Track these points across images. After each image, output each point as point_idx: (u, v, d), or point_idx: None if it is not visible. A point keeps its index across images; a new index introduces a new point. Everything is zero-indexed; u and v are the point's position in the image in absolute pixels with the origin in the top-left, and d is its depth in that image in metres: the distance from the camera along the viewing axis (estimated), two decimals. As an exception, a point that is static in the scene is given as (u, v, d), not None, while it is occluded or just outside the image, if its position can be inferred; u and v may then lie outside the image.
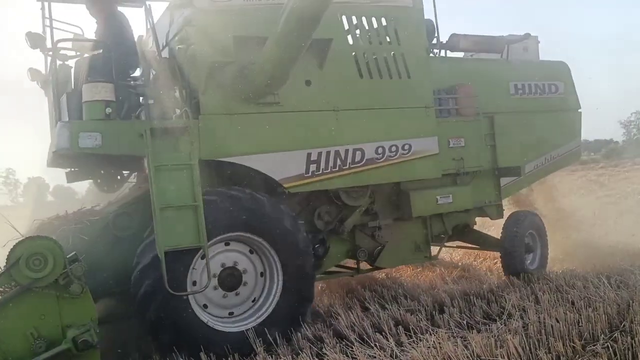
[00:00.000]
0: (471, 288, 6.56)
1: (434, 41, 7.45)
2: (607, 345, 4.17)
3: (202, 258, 4.89)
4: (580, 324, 4.73)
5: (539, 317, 4.87)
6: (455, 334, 4.87)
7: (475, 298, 5.99)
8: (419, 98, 6.45)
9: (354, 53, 6.16)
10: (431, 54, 7.31)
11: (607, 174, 24.09)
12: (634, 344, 4.09)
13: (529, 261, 7.54)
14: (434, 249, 7.53)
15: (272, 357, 4.63)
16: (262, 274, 5.31)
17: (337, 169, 5.82)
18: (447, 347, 4.28)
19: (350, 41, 6.16)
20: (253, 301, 5.29)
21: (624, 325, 4.61)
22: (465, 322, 5.27)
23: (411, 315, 5.53)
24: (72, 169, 6.45)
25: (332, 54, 5.90)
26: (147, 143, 4.80)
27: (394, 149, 6.17)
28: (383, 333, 5.00)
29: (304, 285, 5.35)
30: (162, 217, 4.68)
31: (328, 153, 5.78)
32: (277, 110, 5.61)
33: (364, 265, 6.99)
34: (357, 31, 6.21)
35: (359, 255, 6.56)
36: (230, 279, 5.18)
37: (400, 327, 5.14)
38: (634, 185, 17.37)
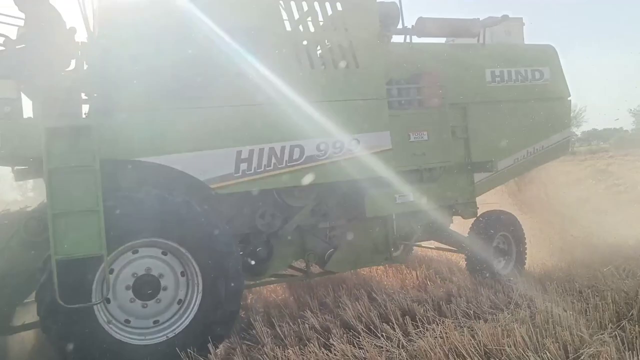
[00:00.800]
0: (478, 278, 6.55)
1: (399, 26, 6.83)
2: (615, 334, 4.16)
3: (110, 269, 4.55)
4: (588, 313, 4.73)
5: (546, 307, 4.86)
6: (462, 324, 4.87)
7: (482, 288, 5.99)
8: (368, 89, 5.90)
9: (293, 41, 5.65)
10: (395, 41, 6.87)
11: (616, 163, 23.91)
12: (641, 333, 4.09)
13: (501, 265, 6.98)
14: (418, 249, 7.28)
15: (279, 348, 4.65)
16: (182, 274, 4.92)
17: (272, 167, 5.33)
18: (453, 336, 4.29)
19: (289, 28, 5.69)
20: (179, 303, 4.91)
21: (631, 314, 4.60)
22: (472, 312, 5.26)
23: (418, 305, 5.53)
24: (20, 167, 5.91)
25: (267, 42, 5.43)
26: (43, 143, 4.40)
27: (338, 145, 5.63)
28: (390, 323, 5.01)
29: (227, 287, 4.94)
30: (55, 224, 4.29)
31: (261, 150, 5.28)
32: (201, 105, 5.13)
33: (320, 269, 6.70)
34: (298, 17, 5.77)
35: (308, 258, 6.24)
36: (146, 287, 4.78)
37: (407, 317, 5.15)
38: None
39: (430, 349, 4.19)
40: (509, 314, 4.97)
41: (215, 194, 5.16)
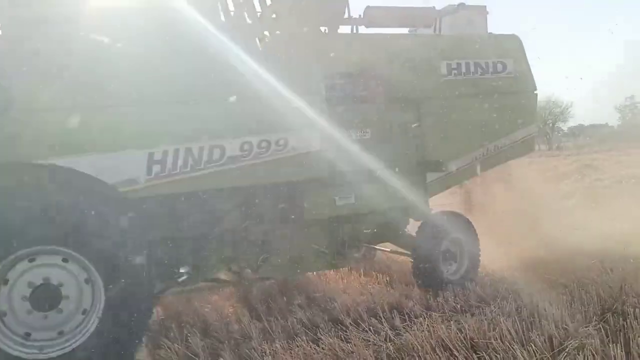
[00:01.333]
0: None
1: (345, 16, 6.33)
2: (599, 327, 4.22)
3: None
4: (573, 306, 4.78)
5: (532, 300, 4.92)
6: (449, 318, 4.92)
7: (469, 282, 6.03)
8: (299, 84, 5.37)
9: (211, 31, 5.18)
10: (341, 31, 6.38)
11: (601, 158, 24.19)
12: (625, 325, 4.15)
13: (451, 271, 6.43)
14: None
15: (267, 342, 4.66)
16: (87, 281, 4.53)
17: (188, 169, 4.88)
18: (440, 330, 4.33)
19: (222, 16, 5.32)
20: (84, 312, 4.52)
21: (615, 307, 4.67)
22: (459, 306, 5.31)
23: (406, 299, 5.57)
24: None
25: (181, 32, 4.96)
26: None
27: (264, 145, 5.20)
28: (378, 317, 5.03)
29: (134, 295, 4.61)
30: None
31: (177, 151, 4.83)
32: (108, 104, 4.67)
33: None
34: (219, 5, 5.41)
35: (240, 264, 5.83)
36: (45, 298, 4.38)
37: (395, 311, 5.18)
38: (629, 169, 17.47)
39: (418, 342, 4.23)
40: (495, 308, 5.02)
41: (123, 198, 4.71)
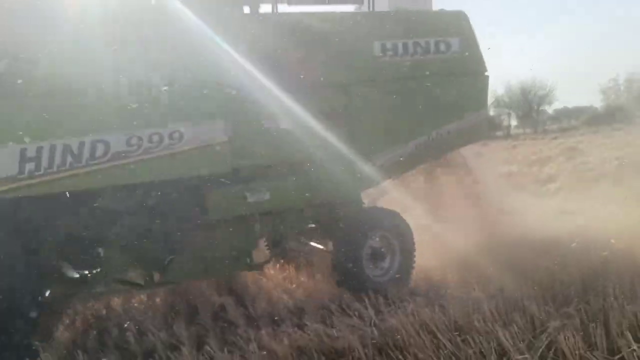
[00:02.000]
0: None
1: None
2: (580, 308, 4.28)
3: None
4: (554, 288, 4.85)
5: (515, 281, 4.98)
6: (433, 302, 4.96)
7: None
8: (201, 72, 4.98)
9: (98, 15, 4.69)
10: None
11: (586, 141, 24.39)
12: (605, 305, 4.21)
13: (379, 271, 5.96)
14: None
15: (252, 329, 4.68)
16: None
17: (67, 167, 4.45)
18: (424, 314, 4.37)
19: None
20: None
21: (596, 288, 4.73)
22: (445, 291, 5.36)
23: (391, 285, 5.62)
24: None
25: (51, 21, 4.50)
26: None
27: (156, 138, 4.74)
28: (363, 303, 5.07)
29: (12, 302, 4.31)
30: None
31: (53, 148, 4.39)
32: None
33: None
34: None
35: (144, 267, 5.39)
36: None
37: (379, 296, 5.22)
38: (613, 151, 17.63)
39: (402, 326, 4.27)
40: (479, 291, 5.08)
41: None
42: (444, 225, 7.18)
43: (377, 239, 5.99)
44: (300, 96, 5.49)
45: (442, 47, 6.37)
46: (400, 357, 3.85)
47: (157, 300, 6.02)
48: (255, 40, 5.41)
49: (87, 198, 4.80)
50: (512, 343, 3.79)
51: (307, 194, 5.63)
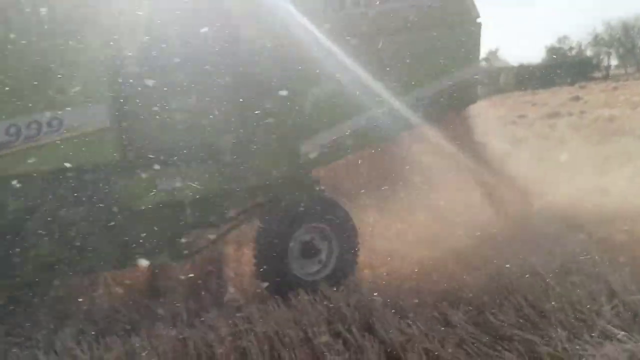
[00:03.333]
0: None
1: None
2: None
3: None
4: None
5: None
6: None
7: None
8: (72, 49, 4.41)
9: None
10: None
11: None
12: None
13: (313, 268, 5.20)
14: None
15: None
16: None
17: None
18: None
19: None
20: None
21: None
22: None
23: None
24: None
25: None
26: None
27: (34, 127, 4.37)
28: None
29: None
30: None
31: None
32: None
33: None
34: None
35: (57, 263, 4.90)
36: None
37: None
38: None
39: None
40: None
41: None
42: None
43: (311, 231, 5.19)
44: (214, 69, 4.85)
45: None
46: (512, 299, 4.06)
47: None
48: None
49: None
50: (622, 285, 3.93)
51: (228, 180, 5.02)
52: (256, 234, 5.15)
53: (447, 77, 5.67)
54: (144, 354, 3.92)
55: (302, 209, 5.13)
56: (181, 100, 4.84)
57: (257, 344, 3.80)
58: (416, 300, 4.31)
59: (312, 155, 5.27)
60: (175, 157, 4.82)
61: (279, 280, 4.93)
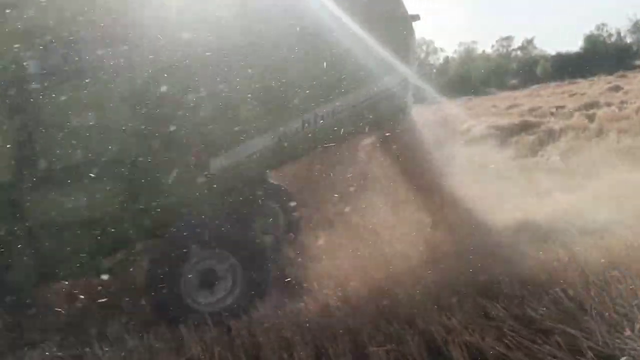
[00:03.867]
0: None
1: None
2: None
3: None
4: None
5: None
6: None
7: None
8: None
9: None
10: None
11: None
12: None
13: (213, 298, 4.82)
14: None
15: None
16: None
17: None
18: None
19: None
20: None
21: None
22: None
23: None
24: None
25: None
26: None
27: None
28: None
29: None
30: None
31: None
32: None
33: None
34: None
35: None
36: None
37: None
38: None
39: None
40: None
41: None
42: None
43: (215, 258, 4.84)
44: (104, 83, 4.67)
45: None
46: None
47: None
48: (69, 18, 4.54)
49: None
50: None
51: (132, 199, 4.83)
52: (149, 261, 4.89)
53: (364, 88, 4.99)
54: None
55: (198, 232, 4.75)
56: (82, 116, 4.64)
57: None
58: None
59: (220, 174, 4.91)
60: (81, 174, 4.67)
61: (166, 309, 4.64)
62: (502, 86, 38.64)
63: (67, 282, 5.32)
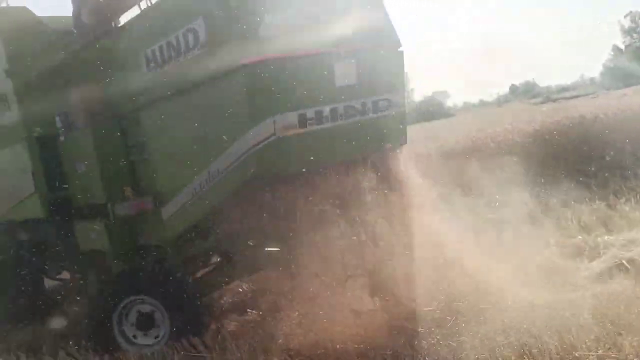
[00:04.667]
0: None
1: None
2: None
3: None
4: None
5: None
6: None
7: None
8: None
9: None
10: None
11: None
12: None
13: (148, 339, 4.78)
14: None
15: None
16: None
17: None
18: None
19: None
20: None
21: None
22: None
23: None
24: None
25: None
26: None
27: None
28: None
29: None
30: None
31: None
32: None
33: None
34: None
35: None
36: None
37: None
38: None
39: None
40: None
41: None
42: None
43: (147, 304, 4.74)
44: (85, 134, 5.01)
45: (191, 39, 4.15)
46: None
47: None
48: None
49: None
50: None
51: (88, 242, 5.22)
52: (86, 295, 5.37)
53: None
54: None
55: (127, 279, 4.81)
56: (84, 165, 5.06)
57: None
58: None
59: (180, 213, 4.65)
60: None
61: (97, 344, 4.78)
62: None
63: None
